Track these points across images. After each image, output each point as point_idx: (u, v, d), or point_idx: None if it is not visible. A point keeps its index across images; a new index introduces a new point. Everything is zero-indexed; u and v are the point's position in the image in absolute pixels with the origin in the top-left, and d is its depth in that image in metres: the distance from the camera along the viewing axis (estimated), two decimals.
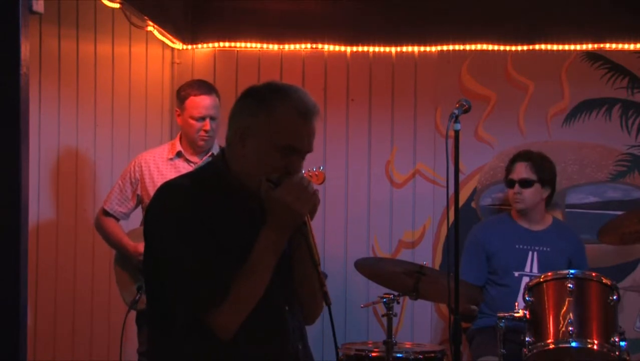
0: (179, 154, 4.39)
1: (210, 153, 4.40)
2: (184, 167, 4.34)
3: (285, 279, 2.45)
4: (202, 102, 4.30)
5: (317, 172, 4.47)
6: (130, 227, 4.52)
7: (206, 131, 4.29)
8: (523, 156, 4.77)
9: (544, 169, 4.72)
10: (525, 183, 4.69)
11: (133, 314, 4.37)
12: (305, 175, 4.33)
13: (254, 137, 2.36)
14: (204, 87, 4.36)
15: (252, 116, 2.38)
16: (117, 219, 4.44)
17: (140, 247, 4.28)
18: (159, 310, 2.39)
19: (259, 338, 2.36)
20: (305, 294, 2.50)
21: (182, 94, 4.37)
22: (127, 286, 4.38)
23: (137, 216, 4.51)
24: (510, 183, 4.75)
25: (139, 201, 4.45)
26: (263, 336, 2.37)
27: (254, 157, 2.37)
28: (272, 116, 2.35)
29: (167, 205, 2.39)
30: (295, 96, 2.39)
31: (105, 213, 4.43)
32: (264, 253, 2.32)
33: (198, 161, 4.39)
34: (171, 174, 4.31)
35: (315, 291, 2.44)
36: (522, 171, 4.71)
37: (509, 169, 4.79)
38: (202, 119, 4.29)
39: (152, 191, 4.35)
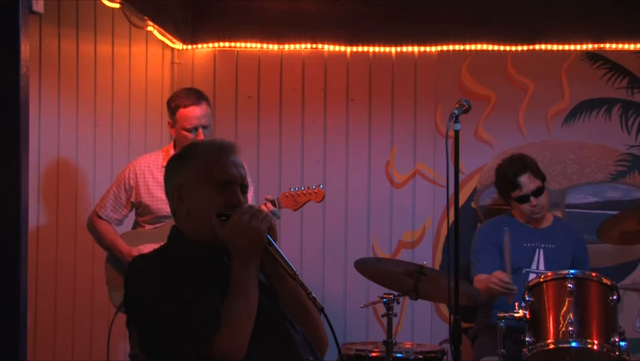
0: None
1: None
2: None
3: (277, 302, 2.51)
4: (192, 113, 4.28)
5: (316, 190, 4.43)
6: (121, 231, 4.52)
7: None
8: (521, 167, 4.68)
9: (538, 171, 4.72)
10: (538, 192, 4.67)
11: (123, 317, 4.35)
12: (304, 192, 4.37)
13: (189, 189, 2.50)
14: (193, 96, 4.33)
15: (178, 174, 2.54)
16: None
17: (134, 251, 4.29)
18: None
19: (269, 354, 2.40)
20: (303, 314, 2.53)
21: (171, 105, 4.35)
22: (118, 287, 4.36)
23: (129, 220, 4.54)
24: (523, 199, 4.67)
25: (133, 208, 4.45)
26: (273, 352, 2.41)
27: (197, 206, 2.49)
28: (195, 163, 2.51)
29: (144, 271, 2.48)
30: (209, 141, 2.66)
31: (99, 217, 4.44)
32: (240, 284, 2.37)
33: None
34: None
35: (311, 309, 2.48)
36: (529, 182, 4.65)
37: (513, 186, 4.68)
38: (195, 129, 4.28)
39: (146, 198, 4.37)
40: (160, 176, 4.36)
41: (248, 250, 2.39)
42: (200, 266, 2.46)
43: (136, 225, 4.49)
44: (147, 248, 4.28)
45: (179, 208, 2.53)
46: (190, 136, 4.28)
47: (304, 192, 4.38)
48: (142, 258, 2.57)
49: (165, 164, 4.34)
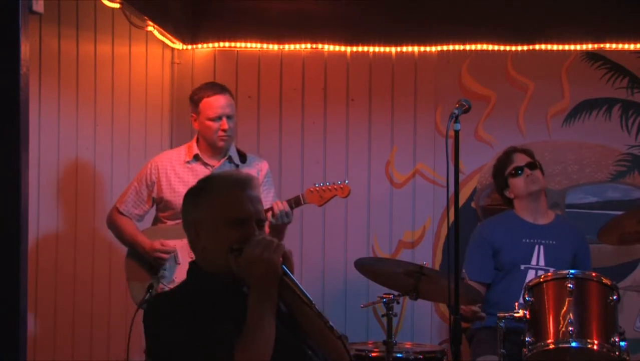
0: (196, 158, 4.37)
1: (227, 157, 4.39)
2: (202, 171, 4.30)
3: (296, 332, 2.51)
4: (216, 102, 4.31)
5: (342, 185, 4.42)
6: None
7: (224, 130, 4.30)
8: (514, 149, 4.89)
9: (532, 156, 4.84)
10: (532, 165, 4.78)
11: (140, 313, 4.35)
12: (330, 187, 4.37)
13: (205, 225, 2.52)
14: (217, 87, 4.38)
15: (195, 209, 2.55)
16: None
17: (156, 244, 4.28)
18: None
19: None
20: (324, 341, 2.53)
21: (195, 98, 4.38)
22: (138, 283, 4.32)
23: (149, 216, 4.54)
24: (516, 171, 4.78)
25: (154, 203, 4.45)
26: None
27: (213, 243, 2.50)
28: (211, 199, 2.52)
29: (162, 308, 2.50)
30: (225, 175, 2.64)
31: (120, 213, 4.43)
32: (256, 315, 2.39)
33: (216, 164, 4.37)
34: (189, 178, 4.30)
35: (331, 337, 2.47)
36: (523, 158, 4.80)
37: (506, 162, 4.83)
38: (219, 118, 4.30)
39: (168, 194, 4.35)
40: (182, 171, 4.37)
41: (263, 282, 2.40)
42: (218, 298, 2.47)
43: (157, 221, 4.48)
44: (170, 242, 4.28)
45: (195, 243, 2.55)
46: (215, 125, 4.29)
47: (329, 187, 4.39)
48: (161, 295, 2.64)
49: (188, 159, 4.40)
